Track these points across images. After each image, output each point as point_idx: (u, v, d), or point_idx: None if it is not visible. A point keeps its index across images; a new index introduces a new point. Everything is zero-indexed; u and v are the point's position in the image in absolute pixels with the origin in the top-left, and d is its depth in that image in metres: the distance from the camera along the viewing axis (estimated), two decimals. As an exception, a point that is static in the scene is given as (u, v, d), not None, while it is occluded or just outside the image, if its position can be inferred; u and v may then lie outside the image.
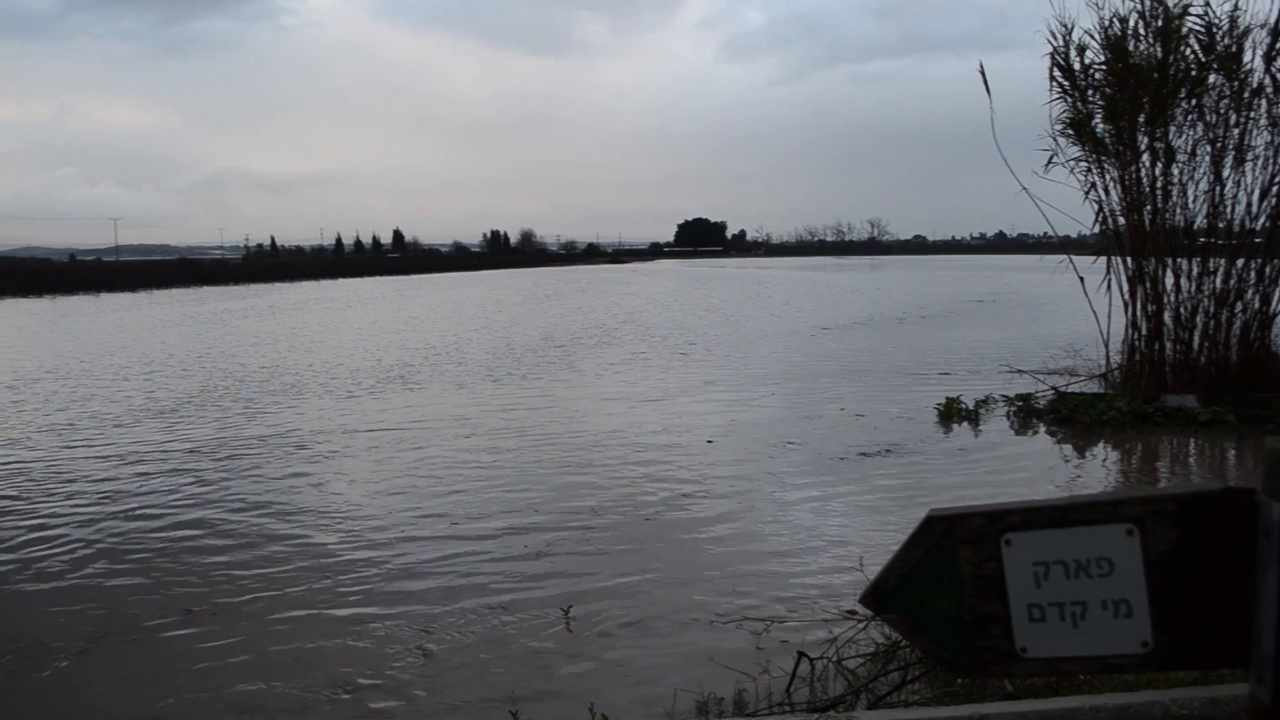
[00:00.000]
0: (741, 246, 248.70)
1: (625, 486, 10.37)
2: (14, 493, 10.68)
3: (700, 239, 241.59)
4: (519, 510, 9.55)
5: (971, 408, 14.24)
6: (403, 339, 29.55)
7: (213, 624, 6.80)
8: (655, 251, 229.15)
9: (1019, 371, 18.02)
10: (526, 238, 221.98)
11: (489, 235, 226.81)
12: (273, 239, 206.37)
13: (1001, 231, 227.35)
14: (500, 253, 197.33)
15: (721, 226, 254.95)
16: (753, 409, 15.28)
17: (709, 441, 12.55)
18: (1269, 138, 13.67)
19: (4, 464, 12.19)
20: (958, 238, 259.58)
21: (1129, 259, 14.76)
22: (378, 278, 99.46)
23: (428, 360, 23.09)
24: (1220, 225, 14.17)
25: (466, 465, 11.63)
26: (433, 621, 6.73)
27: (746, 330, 30.77)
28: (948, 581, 2.32)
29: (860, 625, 5.74)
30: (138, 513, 9.77)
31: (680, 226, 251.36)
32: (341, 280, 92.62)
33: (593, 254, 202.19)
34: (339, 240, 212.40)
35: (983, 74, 14.74)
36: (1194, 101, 13.96)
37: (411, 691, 5.67)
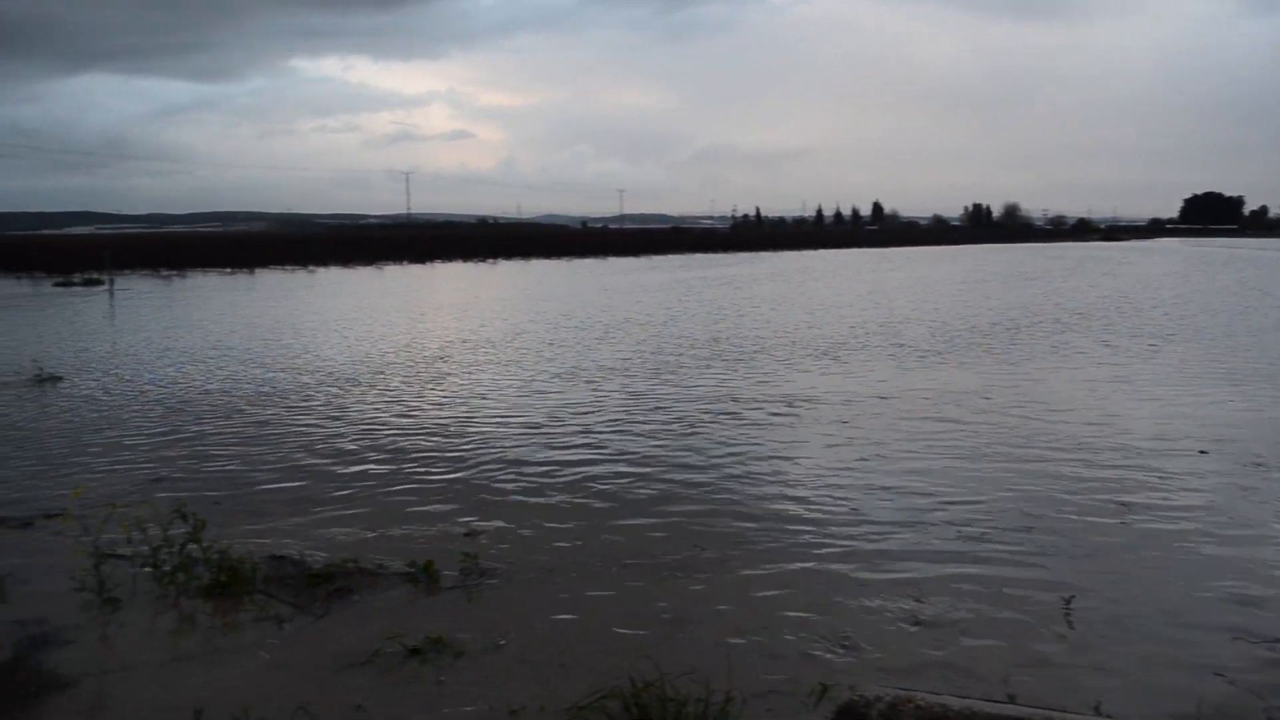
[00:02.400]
0: (1262, 225, 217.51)
1: (1106, 481, 9.82)
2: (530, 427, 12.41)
3: (1211, 216, 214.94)
4: (1000, 495, 9.42)
5: None
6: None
7: (708, 569, 7.56)
8: (1155, 229, 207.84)
9: None
10: (1010, 212, 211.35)
11: (969, 209, 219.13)
12: (757, 210, 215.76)
13: None
14: (981, 226, 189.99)
15: (1237, 202, 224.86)
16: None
17: (1201, 452, 11.34)
18: None
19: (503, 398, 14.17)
20: None
21: None
22: (855, 249, 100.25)
23: (905, 332, 23.11)
24: None
25: (939, 439, 11.63)
26: (922, 591, 6.94)
27: None
28: None
29: None
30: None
31: (1186, 202, 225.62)
32: (820, 250, 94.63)
33: (1083, 230, 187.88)
34: (819, 212, 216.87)
35: None
36: None
37: (907, 658, 5.93)
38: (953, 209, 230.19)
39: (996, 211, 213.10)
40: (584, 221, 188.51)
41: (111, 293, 41.04)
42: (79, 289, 44.18)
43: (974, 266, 63.38)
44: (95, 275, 48.46)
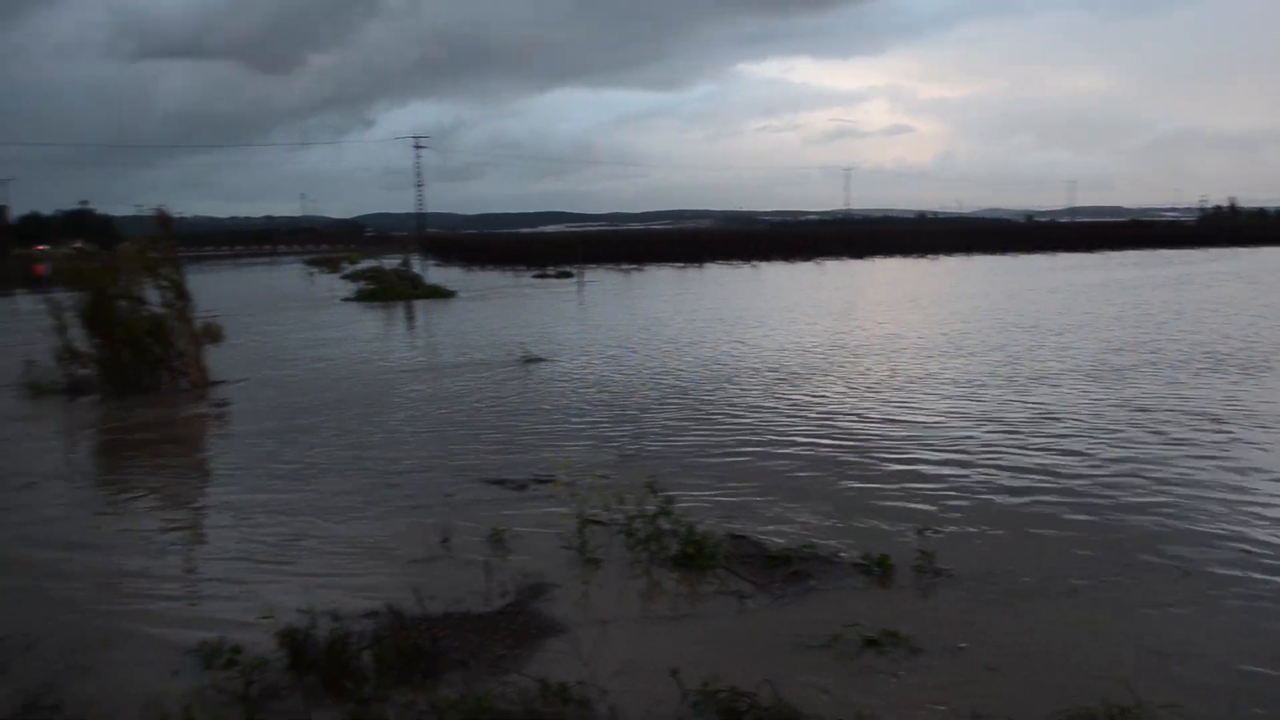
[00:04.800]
0: None
1: None
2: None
3: None
4: None
5: None
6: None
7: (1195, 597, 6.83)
8: None
9: None
10: None
11: None
12: (1232, 201, 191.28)
13: None
14: None
15: None
16: None
17: None
18: None
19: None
20: None
21: None
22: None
23: None
24: None
25: None
26: None
27: None
28: None
29: None
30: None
31: None
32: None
33: None
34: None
35: None
36: None
37: None
38: None
39: None
40: (1028, 215, 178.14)
41: (581, 284, 45.33)
42: (553, 280, 49.29)
43: None
44: (566, 269, 53.78)
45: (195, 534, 9.24)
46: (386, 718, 5.11)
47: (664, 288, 44.82)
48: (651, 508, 7.79)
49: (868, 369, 17.36)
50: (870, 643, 6.01)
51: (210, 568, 7.96)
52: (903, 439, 11.78)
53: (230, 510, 9.65)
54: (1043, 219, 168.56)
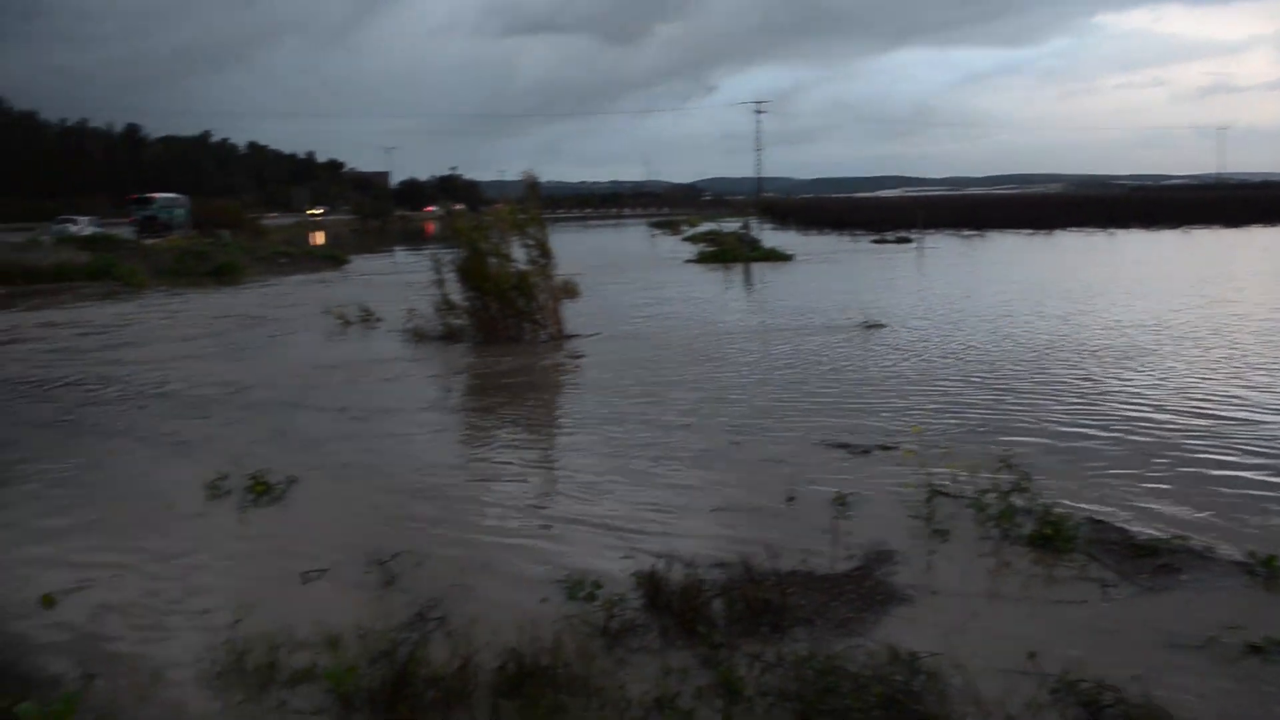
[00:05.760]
0: None
1: None
2: None
3: None
4: None
5: None
6: None
7: None
8: None
9: None
10: None
11: None
12: None
13: None
14: None
15: None
16: None
17: None
18: None
19: None
20: None
21: None
22: None
23: None
24: None
25: None
26: None
27: None
28: None
29: None
30: None
31: None
32: None
33: None
34: None
35: None
36: None
37: None
38: None
39: None
40: None
41: (921, 250, 43.99)
42: (891, 246, 48.15)
43: None
44: (905, 234, 52.38)
45: (553, 473, 9.96)
46: (736, 665, 5.30)
47: (1008, 255, 42.52)
48: (1005, 483, 7.50)
49: (1238, 349, 15.60)
50: (1254, 649, 5.48)
51: (567, 507, 8.54)
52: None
53: (582, 453, 10.34)
54: None
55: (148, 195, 62.29)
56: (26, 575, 6.97)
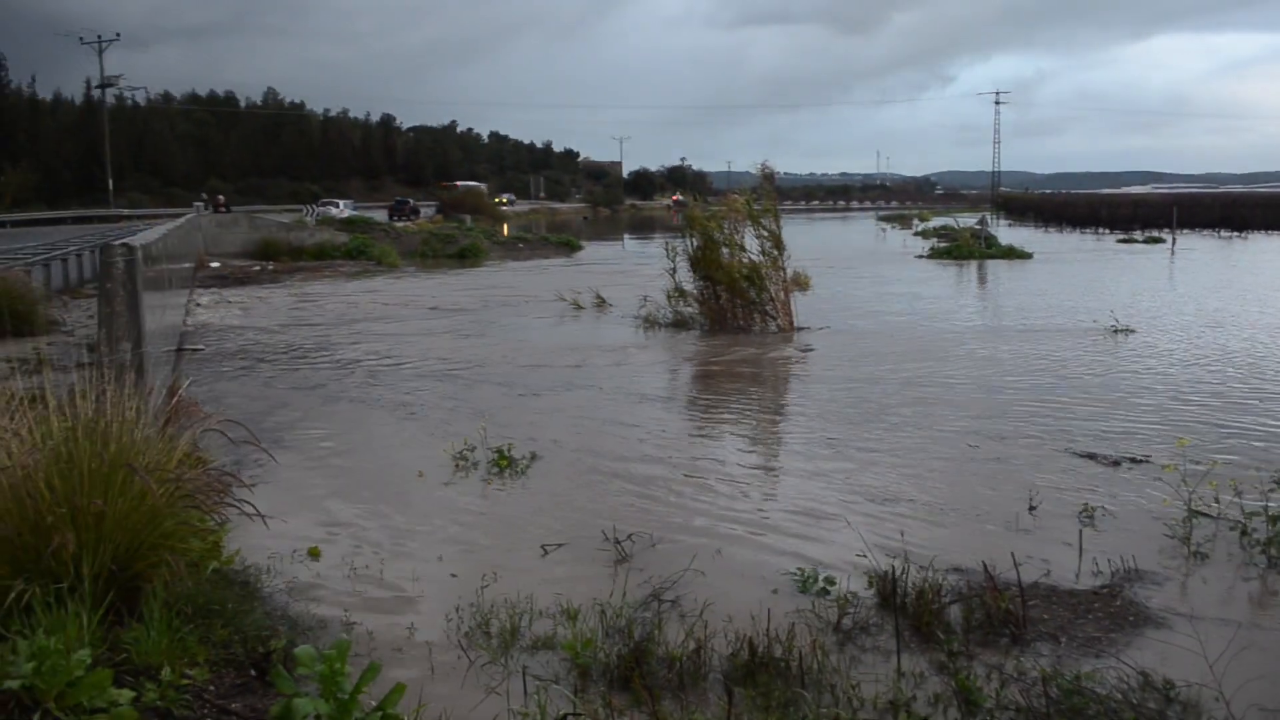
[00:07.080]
0: None
1: None
2: None
3: None
4: None
5: None
6: None
7: None
8: None
9: None
10: None
11: None
12: None
13: None
14: None
15: None
16: None
17: None
18: None
19: None
20: None
21: None
22: None
23: None
24: None
25: None
26: None
27: None
28: None
29: None
30: None
31: None
32: None
33: None
34: None
35: None
36: None
37: None
38: None
39: None
40: None
41: (1173, 251, 41.04)
42: (1140, 246, 45.14)
43: None
44: (1155, 234, 48.98)
45: (782, 467, 9.96)
46: (974, 674, 5.16)
47: (1272, 259, 39.01)
48: (1275, 507, 6.94)
49: None
50: None
51: (795, 501, 8.53)
52: None
53: (810, 447, 10.29)
54: None
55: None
56: (298, 530, 7.62)
